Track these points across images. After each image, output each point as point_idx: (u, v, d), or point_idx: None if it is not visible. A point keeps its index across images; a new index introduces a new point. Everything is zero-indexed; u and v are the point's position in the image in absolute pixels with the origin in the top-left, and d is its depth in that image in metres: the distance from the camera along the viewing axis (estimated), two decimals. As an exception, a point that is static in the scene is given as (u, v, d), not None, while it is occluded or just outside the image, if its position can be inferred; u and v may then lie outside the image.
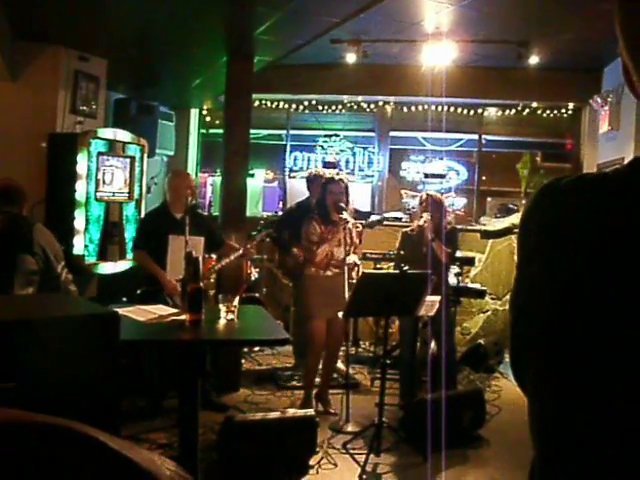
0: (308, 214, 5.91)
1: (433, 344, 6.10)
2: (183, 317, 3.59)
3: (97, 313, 2.67)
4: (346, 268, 5.45)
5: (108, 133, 6.91)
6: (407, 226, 8.25)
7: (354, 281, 5.29)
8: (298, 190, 8.77)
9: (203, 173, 10.58)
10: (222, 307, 3.70)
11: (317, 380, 6.07)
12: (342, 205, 5.63)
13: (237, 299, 3.74)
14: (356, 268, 5.86)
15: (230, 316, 3.67)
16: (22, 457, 0.50)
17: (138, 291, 5.56)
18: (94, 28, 6.20)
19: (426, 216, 5.98)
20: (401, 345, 6.42)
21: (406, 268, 5.34)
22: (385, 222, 8.26)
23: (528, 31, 7.17)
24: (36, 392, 2.30)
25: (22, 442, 0.50)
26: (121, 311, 3.02)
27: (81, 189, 6.51)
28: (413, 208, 9.13)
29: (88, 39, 6.56)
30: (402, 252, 6.20)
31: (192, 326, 3.45)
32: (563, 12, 6.42)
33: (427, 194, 6.24)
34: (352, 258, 5.70)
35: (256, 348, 7.52)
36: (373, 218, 7.89)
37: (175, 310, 3.98)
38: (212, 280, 6.27)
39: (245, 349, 7.20)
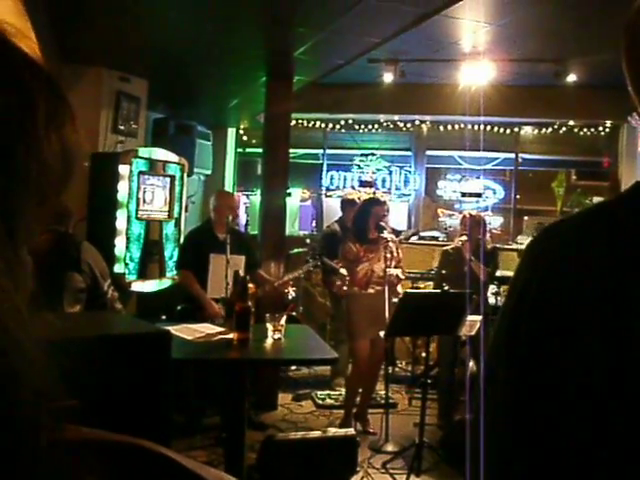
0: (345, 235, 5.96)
1: (472, 364, 6.06)
2: (230, 336, 3.61)
3: (151, 331, 2.70)
4: (387, 286, 5.44)
5: (149, 152, 6.99)
6: (444, 245, 8.27)
7: (398, 297, 5.29)
8: (334, 209, 8.79)
9: (239, 192, 10.63)
10: (269, 326, 3.71)
11: (356, 400, 6.06)
12: (382, 224, 5.64)
13: (284, 318, 3.75)
14: (399, 283, 5.88)
15: (277, 335, 3.68)
16: (104, 476, 0.50)
17: (178, 307, 5.58)
18: (136, 49, 6.29)
19: (463, 237, 6.01)
20: (440, 365, 6.38)
21: (446, 287, 5.34)
22: (422, 241, 8.25)
23: (565, 49, 7.15)
24: (94, 410, 2.32)
25: (103, 461, 0.50)
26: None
27: (122, 208, 6.58)
28: (450, 227, 9.10)
29: (130, 60, 6.66)
30: (443, 271, 6.19)
31: (240, 345, 3.47)
32: (600, 29, 6.38)
33: (468, 213, 6.24)
34: (394, 271, 5.70)
35: (293, 367, 7.51)
36: (407, 231, 7.92)
37: (222, 329, 4.00)
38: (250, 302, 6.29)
39: (282, 367, 7.20)
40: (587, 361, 0.86)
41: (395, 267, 5.76)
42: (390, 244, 5.65)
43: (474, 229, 5.98)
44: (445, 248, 6.43)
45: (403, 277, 6.03)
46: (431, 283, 7.52)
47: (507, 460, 0.95)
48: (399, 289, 5.82)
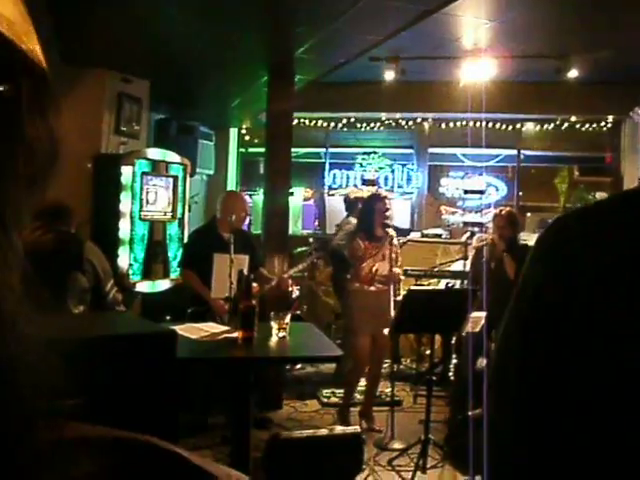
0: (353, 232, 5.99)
1: (479, 360, 6.05)
2: (235, 335, 3.62)
3: (157, 331, 2.71)
4: (392, 284, 5.46)
5: (152, 153, 7.00)
6: (447, 242, 8.27)
7: (399, 297, 5.30)
8: (336, 208, 8.79)
9: (242, 191, 10.64)
10: (274, 324, 3.72)
11: (361, 397, 6.08)
12: (387, 222, 5.66)
13: (289, 316, 3.76)
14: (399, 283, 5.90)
15: (282, 333, 3.69)
16: (115, 473, 0.50)
17: (188, 310, 5.53)
18: (137, 50, 6.30)
19: (483, 238, 6.04)
20: (461, 359, 6.38)
21: (451, 284, 5.34)
22: (425, 238, 8.25)
23: (567, 45, 7.14)
24: (101, 408, 2.33)
25: (109, 456, 0.50)
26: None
27: (126, 209, 6.60)
28: (452, 224, 9.10)
29: (131, 61, 6.67)
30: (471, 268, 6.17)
31: (245, 344, 3.47)
32: (601, 25, 6.39)
33: (500, 210, 6.22)
34: (397, 270, 5.72)
35: (298, 365, 7.51)
36: (411, 236, 7.92)
37: (227, 328, 4.00)
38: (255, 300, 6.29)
39: (287, 365, 7.20)
40: (612, 377, 0.79)
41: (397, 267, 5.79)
42: (395, 241, 5.68)
43: (508, 226, 5.95)
44: (476, 245, 6.39)
45: (403, 278, 6.05)
46: (435, 280, 7.52)
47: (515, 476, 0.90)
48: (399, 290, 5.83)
